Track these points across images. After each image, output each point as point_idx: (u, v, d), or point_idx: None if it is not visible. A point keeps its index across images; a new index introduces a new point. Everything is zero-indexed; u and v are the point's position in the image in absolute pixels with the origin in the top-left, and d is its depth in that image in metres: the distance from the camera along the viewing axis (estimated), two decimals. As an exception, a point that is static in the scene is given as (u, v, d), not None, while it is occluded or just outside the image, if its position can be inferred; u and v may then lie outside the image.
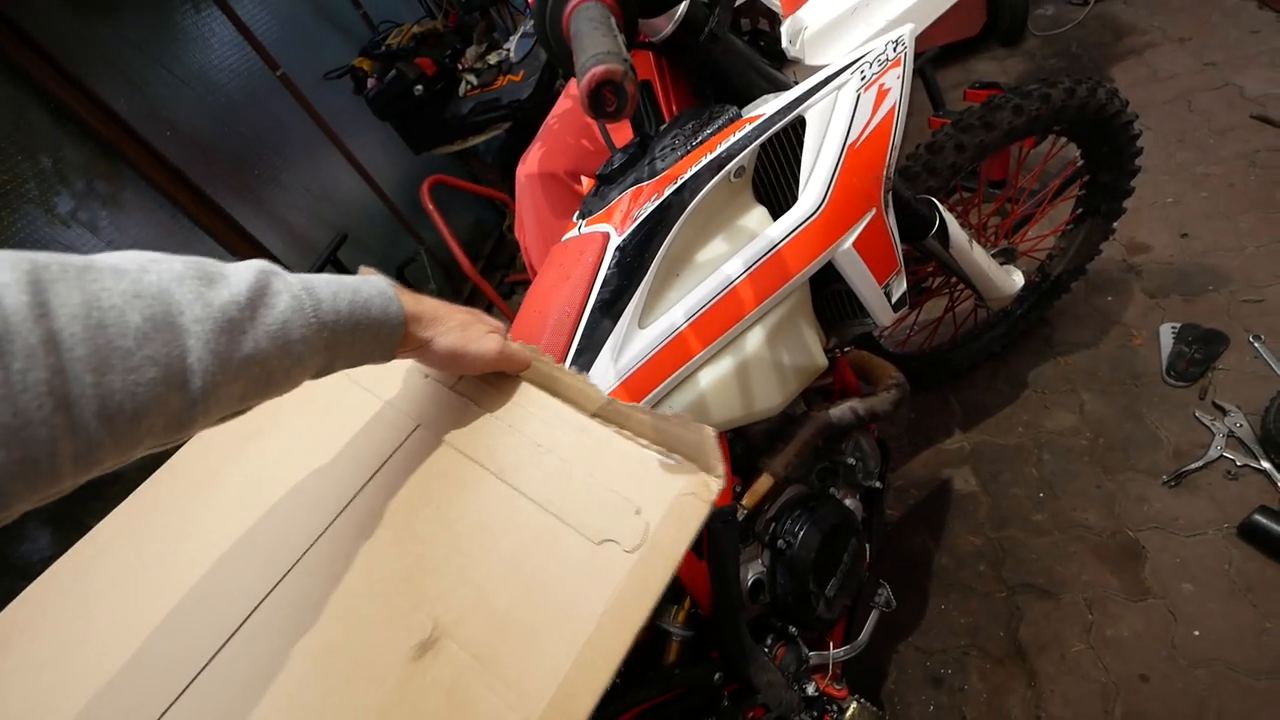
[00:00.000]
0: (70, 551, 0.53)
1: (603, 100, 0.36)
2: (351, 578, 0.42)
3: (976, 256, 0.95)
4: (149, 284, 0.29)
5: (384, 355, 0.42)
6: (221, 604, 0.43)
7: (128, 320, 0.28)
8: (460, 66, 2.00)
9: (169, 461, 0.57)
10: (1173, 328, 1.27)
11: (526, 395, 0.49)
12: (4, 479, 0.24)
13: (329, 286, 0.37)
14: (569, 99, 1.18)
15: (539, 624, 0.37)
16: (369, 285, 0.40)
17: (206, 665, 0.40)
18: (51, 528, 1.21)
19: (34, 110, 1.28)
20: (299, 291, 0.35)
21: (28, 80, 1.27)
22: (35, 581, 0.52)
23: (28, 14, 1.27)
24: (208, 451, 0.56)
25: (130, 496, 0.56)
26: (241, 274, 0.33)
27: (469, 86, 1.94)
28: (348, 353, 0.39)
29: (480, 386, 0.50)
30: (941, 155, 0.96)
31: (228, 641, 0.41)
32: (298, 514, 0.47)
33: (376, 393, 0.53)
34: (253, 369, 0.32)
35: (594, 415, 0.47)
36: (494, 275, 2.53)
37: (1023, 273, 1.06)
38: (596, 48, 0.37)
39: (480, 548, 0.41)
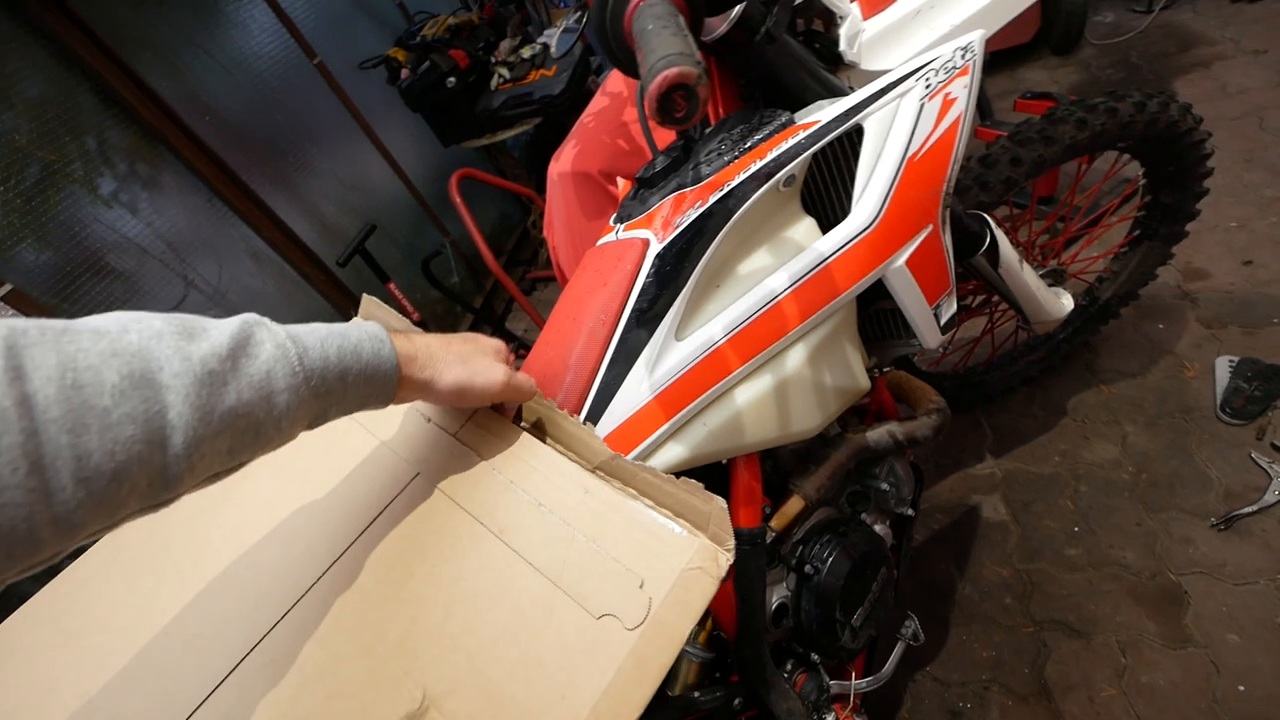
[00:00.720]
0: (52, 583, 0.52)
1: (673, 105, 0.34)
2: (340, 637, 0.40)
3: (1026, 278, 0.90)
4: (128, 343, 0.29)
5: (382, 400, 0.41)
6: (205, 655, 0.42)
7: (104, 379, 0.27)
8: (493, 59, 2.00)
9: None
10: (1230, 361, 1.20)
11: (530, 449, 0.47)
12: None
13: (316, 334, 0.37)
14: (605, 97, 1.16)
15: (532, 703, 0.35)
16: (359, 330, 0.39)
17: (188, 718, 0.39)
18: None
19: (82, 92, 1.31)
20: (284, 340, 0.35)
21: (77, 62, 1.29)
22: (14, 614, 0.51)
23: (79, -4, 1.29)
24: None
25: (116, 529, 0.54)
26: (224, 327, 0.33)
27: (501, 80, 1.93)
28: (341, 400, 0.38)
29: (483, 435, 0.49)
30: (996, 169, 0.92)
31: (209, 696, 0.39)
32: (289, 561, 0.45)
33: (377, 435, 0.52)
34: (237, 422, 0.32)
35: (597, 469, 0.45)
36: (516, 270, 2.53)
37: (1070, 295, 1.01)
38: (667, 48, 0.34)
39: (476, 614, 0.39)
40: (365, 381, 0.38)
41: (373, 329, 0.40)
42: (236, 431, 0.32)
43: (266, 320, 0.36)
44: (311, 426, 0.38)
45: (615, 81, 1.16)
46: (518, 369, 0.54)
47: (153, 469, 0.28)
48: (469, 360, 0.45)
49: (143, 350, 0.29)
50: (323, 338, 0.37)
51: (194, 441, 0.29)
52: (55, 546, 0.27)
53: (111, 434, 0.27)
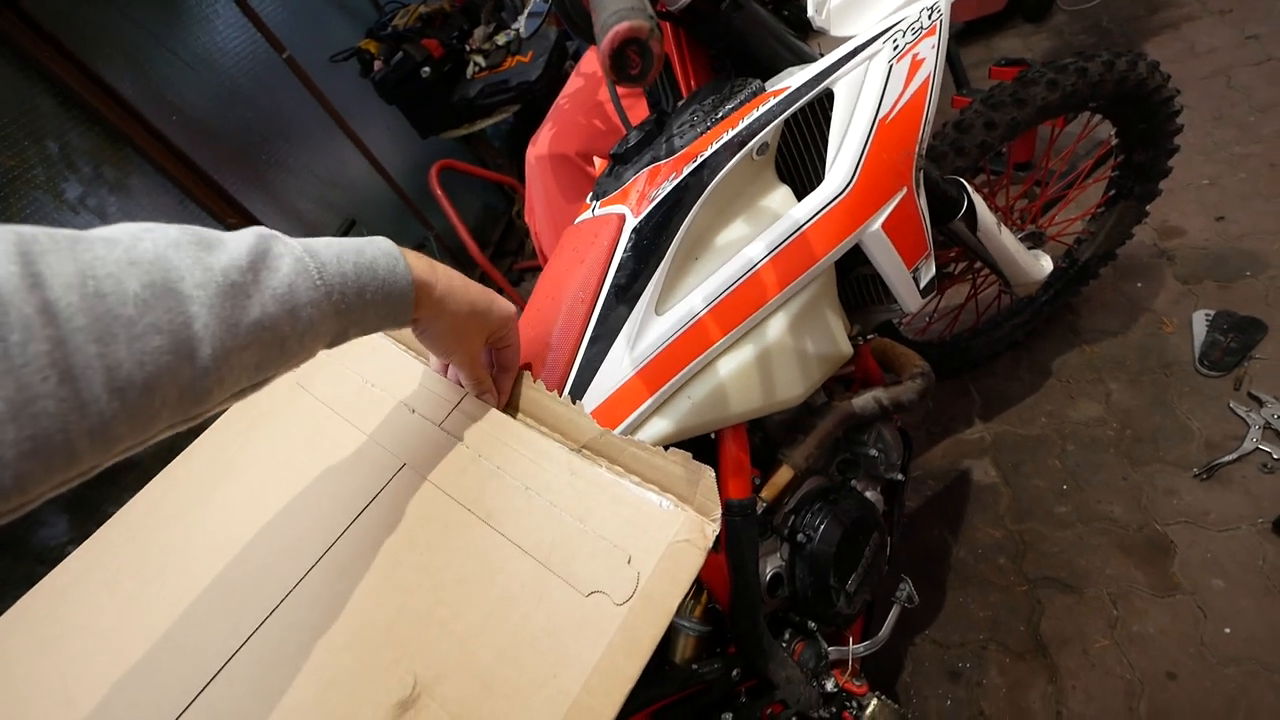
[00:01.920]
0: (37, 587, 0.51)
1: (626, 61, 0.34)
2: (330, 628, 0.40)
3: (1005, 241, 0.91)
4: (144, 251, 0.28)
5: (400, 318, 0.40)
6: (193, 654, 0.41)
7: (126, 288, 0.26)
8: (468, 48, 1.96)
9: (143, 491, 0.55)
10: (1206, 315, 1.22)
11: (516, 434, 0.47)
12: (18, 459, 0.23)
13: (331, 249, 0.35)
14: (580, 78, 1.15)
15: (524, 683, 0.35)
16: (373, 246, 0.38)
17: (178, 718, 0.38)
18: (69, 514, 1.22)
19: (39, 95, 1.27)
20: (301, 254, 0.33)
21: (32, 64, 1.25)
22: None
23: (30, -5, 1.25)
24: (182, 483, 0.54)
25: (102, 528, 0.53)
26: (240, 239, 0.32)
27: (477, 68, 1.90)
28: (360, 319, 0.37)
29: (468, 424, 0.49)
30: (970, 134, 0.92)
31: (198, 696, 0.39)
32: (276, 556, 0.45)
33: (361, 427, 0.51)
34: (263, 335, 0.31)
35: (584, 447, 0.44)
36: (503, 262, 2.51)
37: (1050, 258, 1.02)
38: (619, 4, 0.34)
39: (465, 598, 0.39)
40: (383, 299, 0.37)
41: (385, 245, 0.39)
42: (263, 345, 0.31)
43: (279, 234, 0.34)
44: (331, 345, 0.37)
45: (590, 62, 1.15)
46: None
47: (182, 381, 0.28)
48: (481, 291, 0.45)
49: (161, 259, 0.28)
50: (338, 253, 0.36)
51: (222, 354, 0.29)
52: (92, 459, 0.26)
53: (139, 344, 0.26)
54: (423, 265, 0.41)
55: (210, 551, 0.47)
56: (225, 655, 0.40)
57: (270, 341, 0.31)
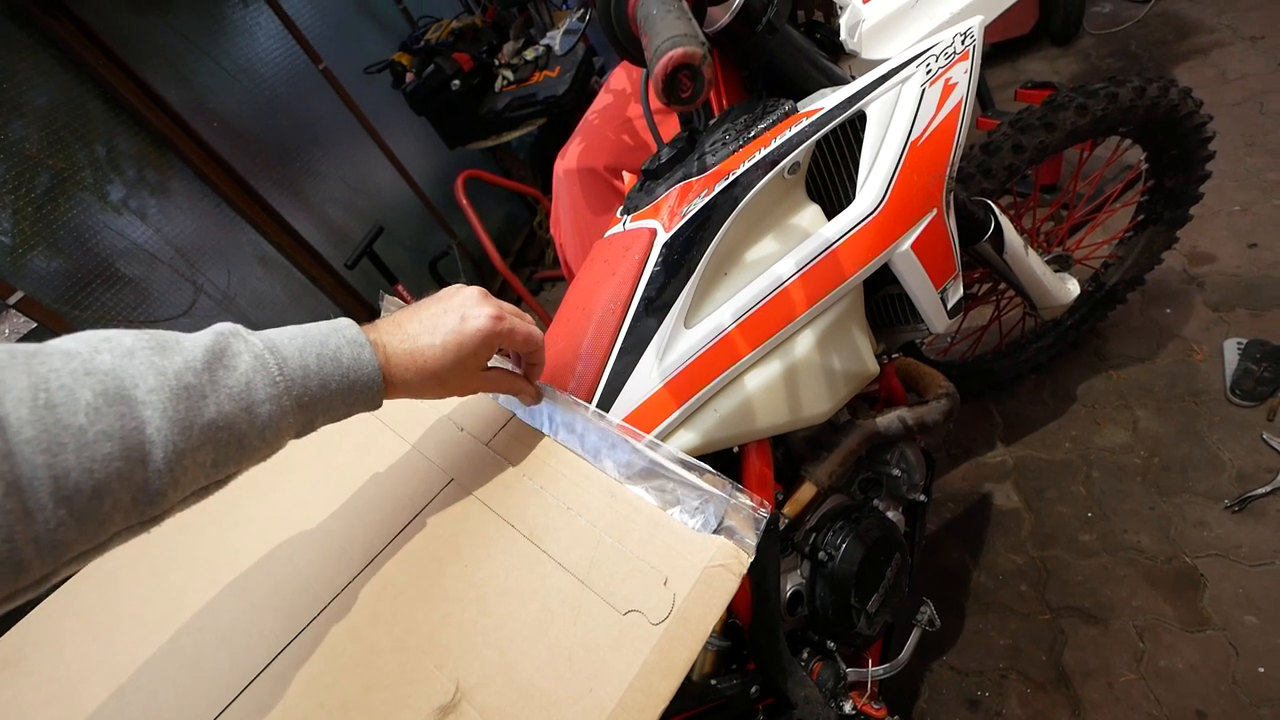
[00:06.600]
0: (78, 576, 0.52)
1: (678, 85, 0.35)
2: (375, 632, 0.41)
3: (1031, 263, 0.91)
4: (100, 362, 0.29)
5: (370, 404, 0.40)
6: (239, 649, 0.42)
7: (78, 398, 0.27)
8: (497, 62, 2.01)
9: None
10: (1238, 343, 1.20)
11: (558, 456, 0.48)
12: None
13: (294, 343, 0.36)
14: (609, 94, 1.17)
15: (561, 696, 0.36)
16: (337, 335, 0.38)
17: (224, 710, 0.40)
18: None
19: (91, 100, 1.33)
20: (261, 351, 0.34)
21: (86, 70, 1.31)
22: (40, 605, 0.51)
23: (87, 6, 1.31)
24: (233, 483, 0.56)
25: None
26: (198, 340, 0.33)
27: (505, 82, 1.95)
28: (327, 409, 0.37)
29: (513, 444, 0.50)
30: (998, 156, 0.92)
31: (244, 690, 0.40)
32: (325, 559, 0.46)
33: (410, 440, 0.53)
34: (218, 434, 0.31)
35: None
36: (523, 271, 2.54)
37: (1077, 281, 1.01)
38: (672, 30, 0.35)
39: (507, 610, 0.40)
40: (347, 388, 0.37)
41: (351, 333, 0.38)
42: (218, 444, 0.32)
43: (242, 329, 0.35)
44: (300, 435, 0.37)
45: (619, 79, 1.17)
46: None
47: (134, 484, 0.28)
48: (438, 330, 0.42)
49: (116, 368, 0.29)
50: (300, 346, 0.36)
51: (174, 455, 0.29)
52: (41, 568, 0.27)
53: (89, 452, 0.27)
54: (387, 337, 0.40)
55: (257, 550, 0.48)
56: (271, 652, 0.41)
57: (226, 440, 0.32)
